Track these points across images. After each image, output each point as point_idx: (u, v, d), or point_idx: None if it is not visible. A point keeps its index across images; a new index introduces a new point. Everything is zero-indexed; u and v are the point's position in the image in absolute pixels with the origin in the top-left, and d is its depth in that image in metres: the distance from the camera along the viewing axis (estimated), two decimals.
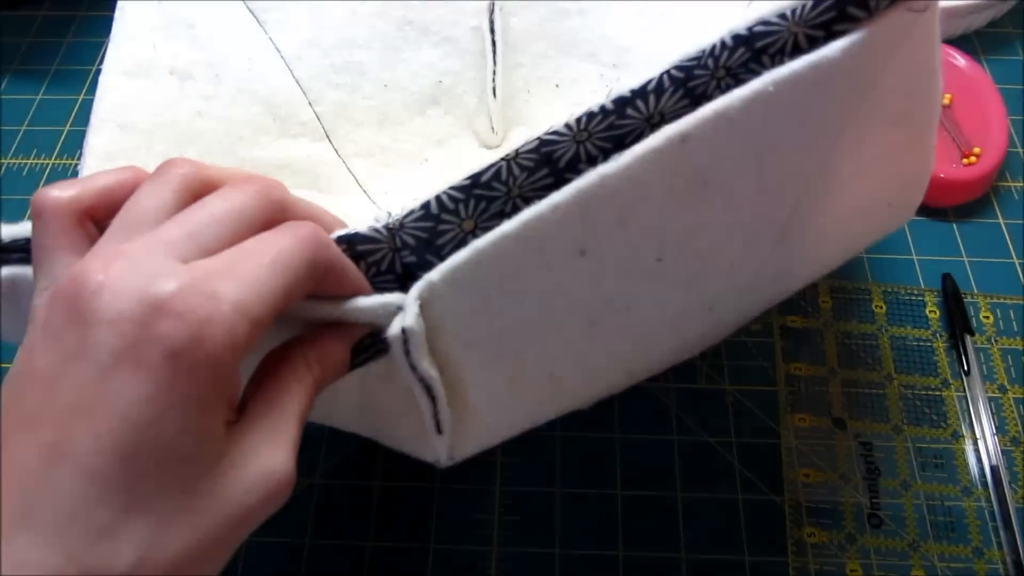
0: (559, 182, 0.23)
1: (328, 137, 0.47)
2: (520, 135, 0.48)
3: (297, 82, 0.46)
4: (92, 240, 0.23)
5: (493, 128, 0.48)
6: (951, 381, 0.42)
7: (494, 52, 0.47)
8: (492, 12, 0.47)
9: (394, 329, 0.24)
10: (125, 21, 0.42)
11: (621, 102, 0.23)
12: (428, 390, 0.26)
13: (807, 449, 0.40)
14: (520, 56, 0.48)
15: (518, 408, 0.31)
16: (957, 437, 0.40)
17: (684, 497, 0.39)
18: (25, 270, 0.25)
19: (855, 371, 0.42)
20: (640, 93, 0.23)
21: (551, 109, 0.48)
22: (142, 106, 0.41)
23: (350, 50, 0.47)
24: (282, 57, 0.46)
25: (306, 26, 0.46)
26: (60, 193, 0.23)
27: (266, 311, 0.21)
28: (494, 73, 0.47)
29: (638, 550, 0.37)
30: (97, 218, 0.24)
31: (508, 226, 0.23)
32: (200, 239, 0.21)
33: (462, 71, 0.48)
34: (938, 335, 0.43)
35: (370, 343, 0.24)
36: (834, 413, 0.41)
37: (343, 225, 0.25)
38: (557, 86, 0.47)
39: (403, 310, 0.23)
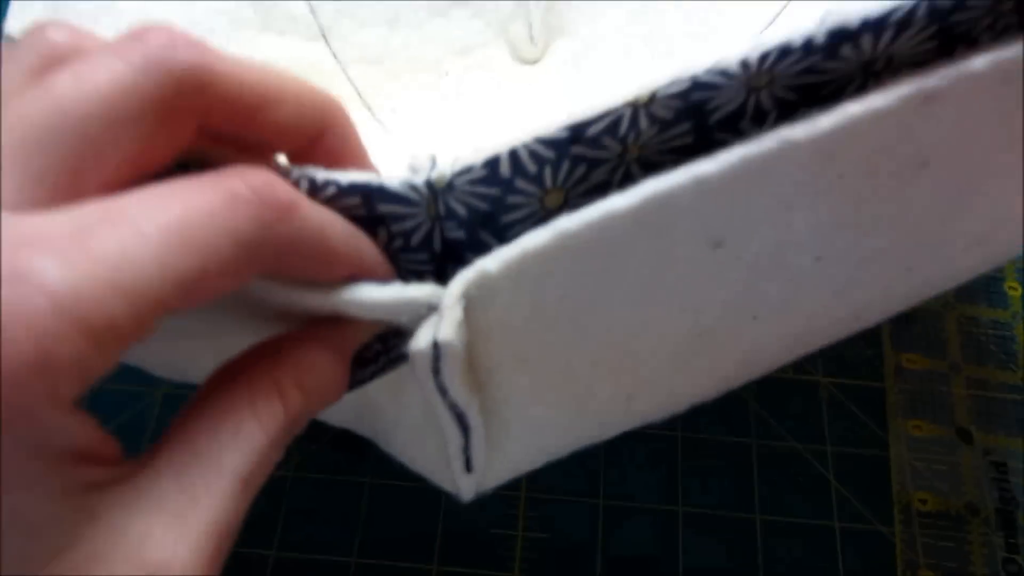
0: (704, 143, 0.15)
1: (324, 36, 0.37)
2: (566, 48, 0.38)
3: None
4: None
5: (532, 37, 0.38)
6: None
7: None
8: None
9: (421, 342, 0.15)
10: None
11: (838, 36, 0.15)
12: (459, 418, 0.18)
13: (923, 467, 0.31)
14: None
15: (575, 432, 0.23)
16: None
17: (764, 521, 0.30)
18: None
19: (984, 368, 0.33)
20: (873, 25, 0.15)
21: (607, 15, 0.38)
22: None
23: None
24: None
25: None
26: None
27: (133, 310, 0.12)
28: None
29: None
30: None
31: (619, 202, 0.14)
32: (35, 165, 0.12)
33: None
34: None
35: (380, 351, 0.17)
36: (958, 421, 0.32)
37: (355, 147, 0.17)
38: None
39: (438, 313, 0.15)
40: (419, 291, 0.15)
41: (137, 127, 0.13)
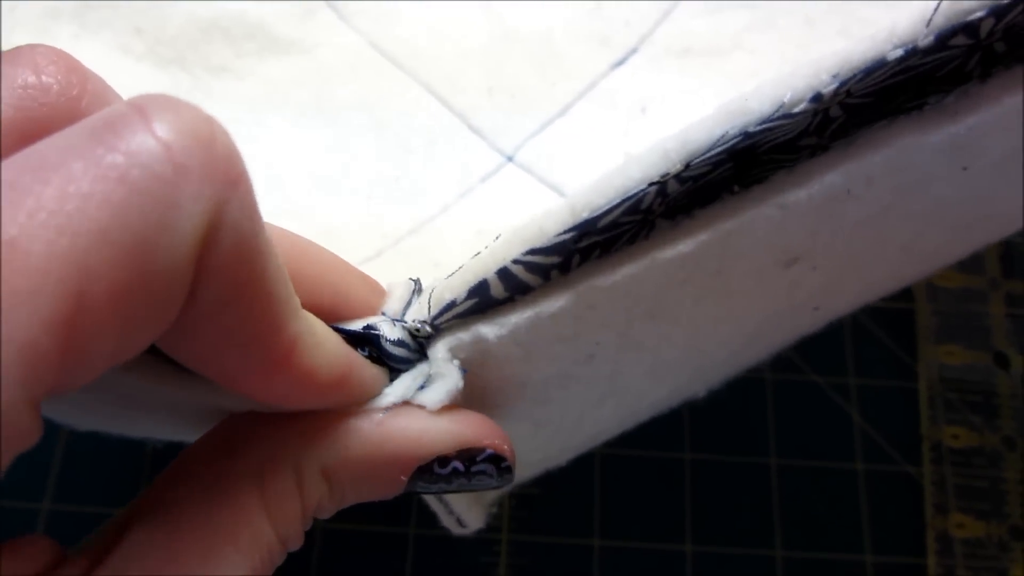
0: (749, 168, 0.14)
1: None
2: None
3: None
4: None
5: None
6: None
7: None
8: None
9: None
10: None
11: (948, 34, 0.13)
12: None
13: (957, 398, 0.28)
14: None
15: (585, 437, 0.21)
16: None
17: (779, 465, 0.27)
18: None
19: None
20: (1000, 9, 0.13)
21: None
22: None
23: None
24: None
25: None
26: None
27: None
28: None
29: (714, 542, 0.26)
30: None
31: (659, 256, 0.14)
32: None
33: None
34: None
35: (459, 468, 0.15)
36: (996, 345, 0.29)
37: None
38: None
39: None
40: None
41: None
